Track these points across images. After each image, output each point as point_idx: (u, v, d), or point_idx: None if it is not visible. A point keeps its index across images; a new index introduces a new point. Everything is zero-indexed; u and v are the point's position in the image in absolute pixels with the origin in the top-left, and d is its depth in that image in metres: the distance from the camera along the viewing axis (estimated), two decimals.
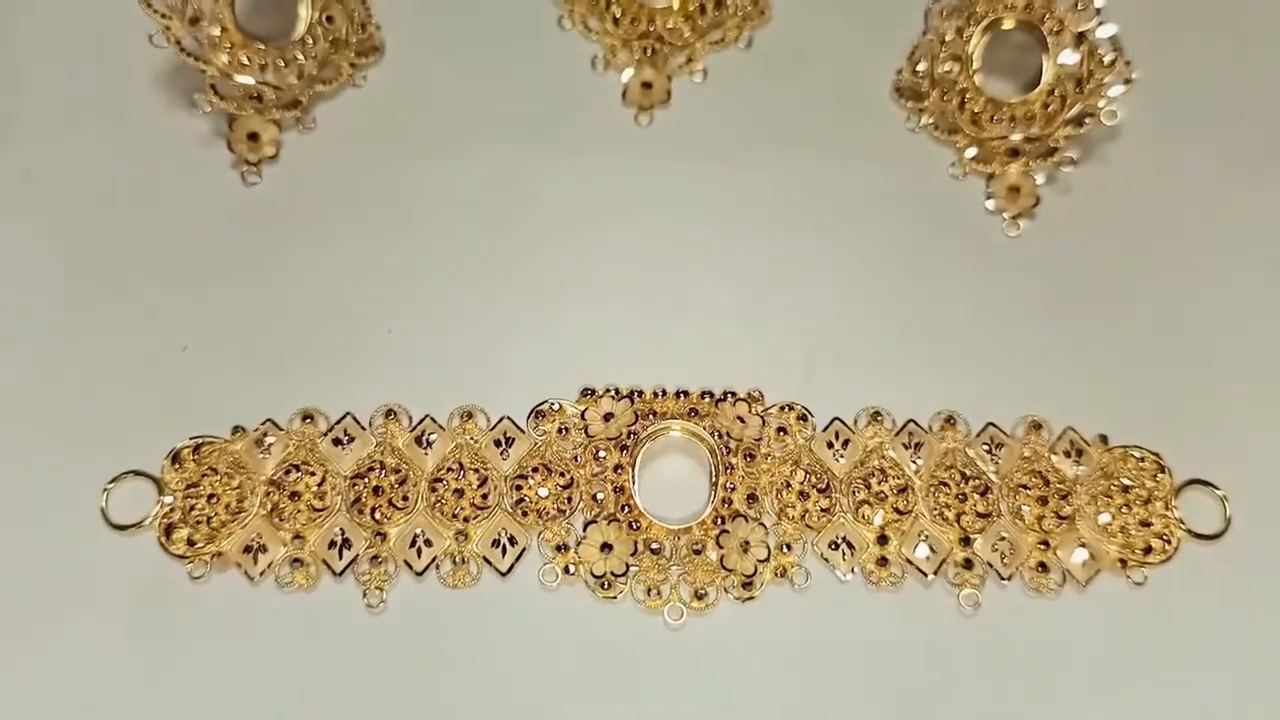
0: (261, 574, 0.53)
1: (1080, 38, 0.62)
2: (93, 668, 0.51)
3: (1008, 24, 0.63)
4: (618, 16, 0.66)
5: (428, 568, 0.54)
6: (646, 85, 0.66)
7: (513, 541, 0.54)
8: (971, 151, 0.64)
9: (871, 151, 0.65)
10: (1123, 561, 0.54)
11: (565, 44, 0.68)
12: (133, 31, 0.60)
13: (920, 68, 0.66)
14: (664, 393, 0.57)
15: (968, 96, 0.63)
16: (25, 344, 0.58)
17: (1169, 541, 0.55)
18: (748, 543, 0.53)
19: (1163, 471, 0.56)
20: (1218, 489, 0.56)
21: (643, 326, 0.60)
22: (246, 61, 0.61)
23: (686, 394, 0.57)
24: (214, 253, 0.61)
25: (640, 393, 0.57)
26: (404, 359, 0.59)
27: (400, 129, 0.65)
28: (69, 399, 0.57)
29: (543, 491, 0.54)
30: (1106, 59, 0.61)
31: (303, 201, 0.63)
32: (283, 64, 0.62)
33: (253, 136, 0.63)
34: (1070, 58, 0.61)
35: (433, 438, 0.56)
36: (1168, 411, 0.58)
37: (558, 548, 0.54)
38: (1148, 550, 0.54)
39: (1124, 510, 0.55)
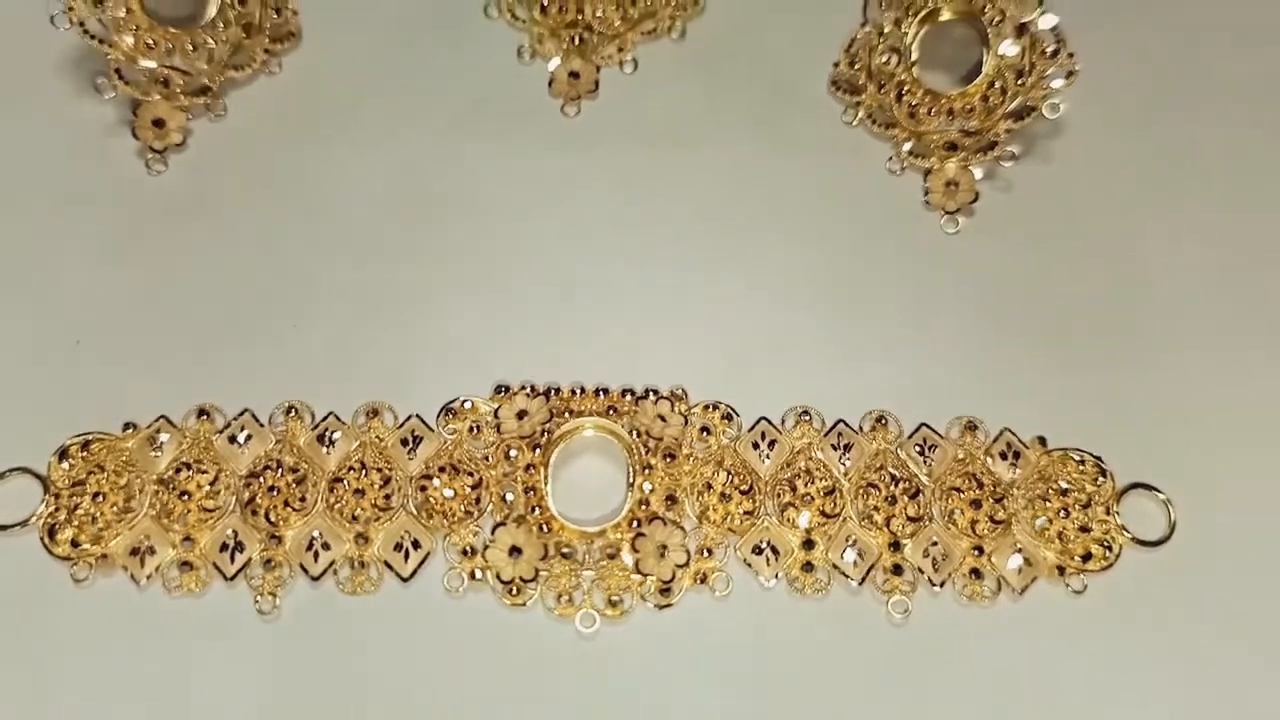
0: (149, 577, 0.51)
1: (1022, 29, 0.60)
2: None
3: (947, 15, 0.62)
4: (545, 4, 0.65)
5: (325, 572, 0.52)
6: (574, 75, 0.65)
7: (416, 545, 0.52)
8: (909, 145, 0.63)
9: (806, 145, 0.64)
10: (1060, 569, 0.53)
11: (491, 32, 0.67)
12: (34, 11, 0.58)
13: (857, 60, 0.64)
14: (582, 390, 0.55)
15: (905, 89, 0.62)
16: None
17: (1109, 548, 0.53)
18: (665, 547, 0.52)
19: (1104, 475, 0.55)
20: (1161, 493, 0.54)
21: (563, 323, 0.58)
22: (153, 44, 0.60)
23: (606, 392, 0.55)
24: (114, 243, 0.59)
25: (557, 390, 0.55)
26: (310, 355, 0.57)
27: (316, 118, 0.64)
28: None
29: (448, 492, 0.52)
30: (1049, 51, 0.60)
31: (210, 192, 0.61)
32: (192, 48, 0.61)
33: (159, 123, 0.62)
34: (1011, 49, 0.60)
35: (336, 436, 0.54)
36: (1109, 413, 0.56)
37: (464, 552, 0.52)
38: (1087, 557, 0.53)
39: (1062, 515, 0.53)
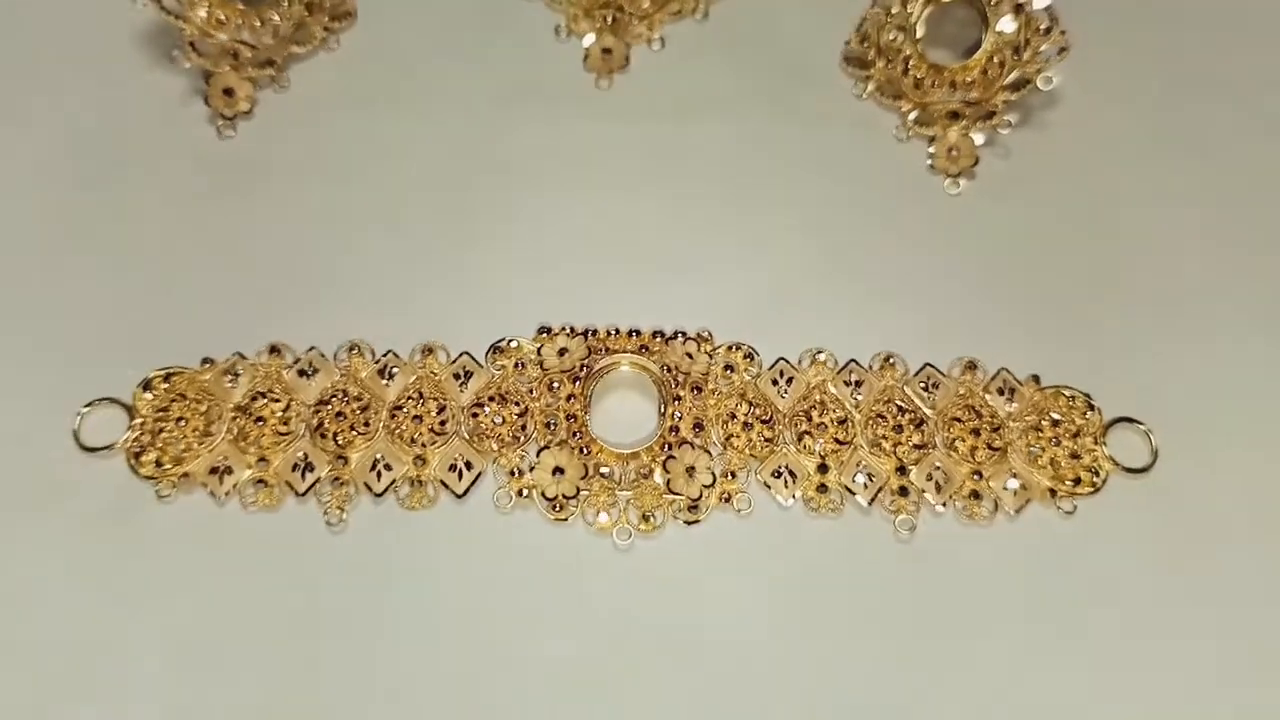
0: (227, 494, 0.56)
1: (1019, 8, 0.65)
2: (60, 580, 0.54)
3: None
4: None
5: (387, 490, 0.56)
6: (607, 51, 0.70)
7: (469, 466, 0.57)
8: (914, 115, 0.68)
9: (821, 115, 0.69)
10: (1052, 491, 0.57)
11: (530, 12, 0.73)
12: None
13: (867, 38, 0.70)
14: (617, 331, 0.60)
15: (911, 64, 0.67)
16: (8, 281, 0.61)
17: (1097, 473, 0.57)
18: (693, 468, 0.56)
19: (1092, 409, 0.59)
20: (1143, 425, 0.58)
21: (598, 272, 0.63)
22: (224, 20, 0.65)
23: (638, 333, 0.60)
24: (189, 199, 0.64)
25: (594, 331, 0.60)
26: (370, 299, 0.62)
27: (370, 89, 0.69)
28: (48, 332, 0.60)
29: (498, 420, 0.57)
30: (1043, 28, 0.65)
31: (275, 155, 0.66)
32: (259, 24, 0.66)
33: (228, 92, 0.67)
34: (1008, 25, 0.65)
35: (394, 371, 0.59)
36: (1097, 356, 0.61)
37: (511, 473, 0.57)
38: (1077, 481, 0.57)
39: (1054, 443, 0.58)
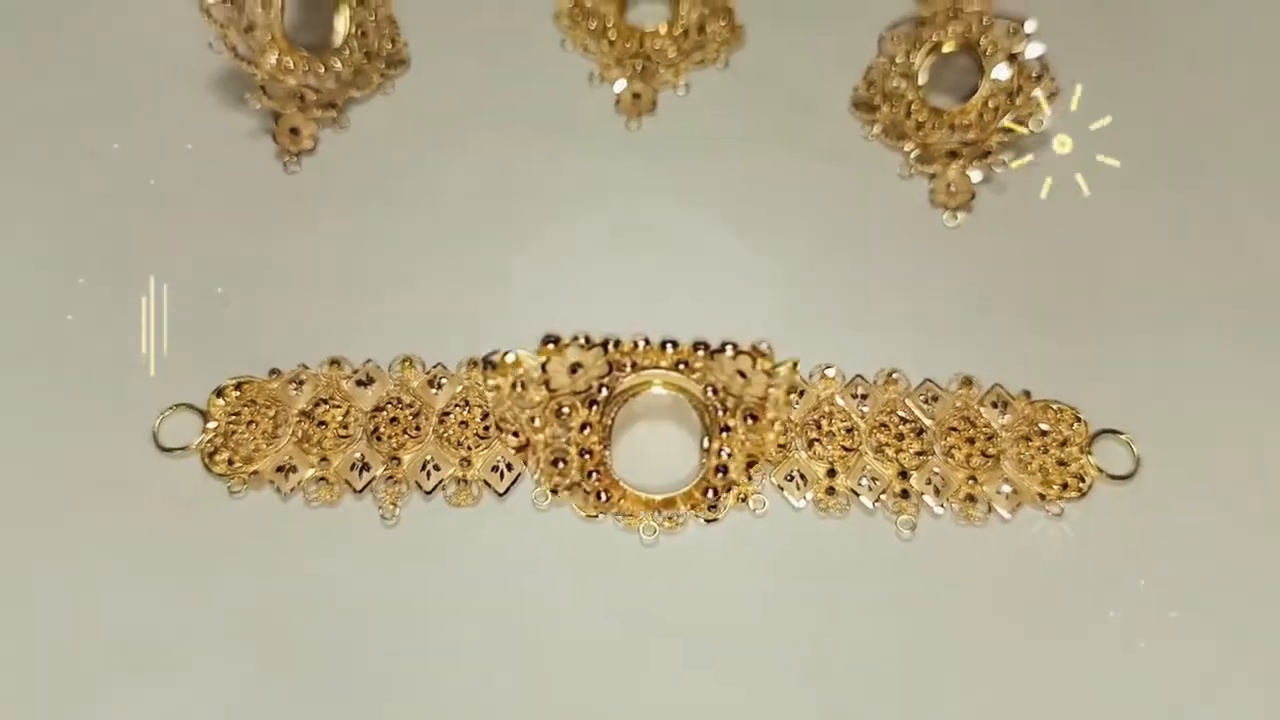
0: (291, 490, 0.60)
1: (1012, 58, 0.70)
2: (139, 567, 0.58)
3: (949, 47, 0.73)
4: (612, 39, 0.77)
5: (436, 488, 0.60)
6: (636, 96, 0.76)
7: (509, 468, 0.61)
8: (916, 154, 0.73)
9: (831, 155, 0.74)
10: (1042, 496, 0.61)
11: (566, 61, 0.78)
12: (194, 36, 0.69)
13: (874, 85, 0.75)
14: (646, 343, 0.58)
15: (913, 108, 0.73)
16: (97, 299, 0.67)
17: (1083, 480, 0.61)
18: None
19: (1079, 421, 0.63)
20: (1125, 434, 0.62)
21: (622, 291, 0.67)
22: (291, 66, 0.71)
23: (675, 345, 0.56)
24: (259, 227, 0.70)
25: (616, 342, 0.57)
26: (420, 317, 0.66)
27: (423, 130, 0.74)
28: (130, 345, 0.65)
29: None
30: (1035, 75, 0.70)
31: (335, 188, 0.72)
32: (323, 70, 0.72)
33: (294, 131, 0.72)
34: (1003, 72, 0.70)
35: (443, 381, 0.64)
36: (1083, 374, 0.65)
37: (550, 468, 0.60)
38: (1064, 487, 0.61)
39: (1043, 452, 0.62)
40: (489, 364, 0.55)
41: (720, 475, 0.56)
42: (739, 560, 0.59)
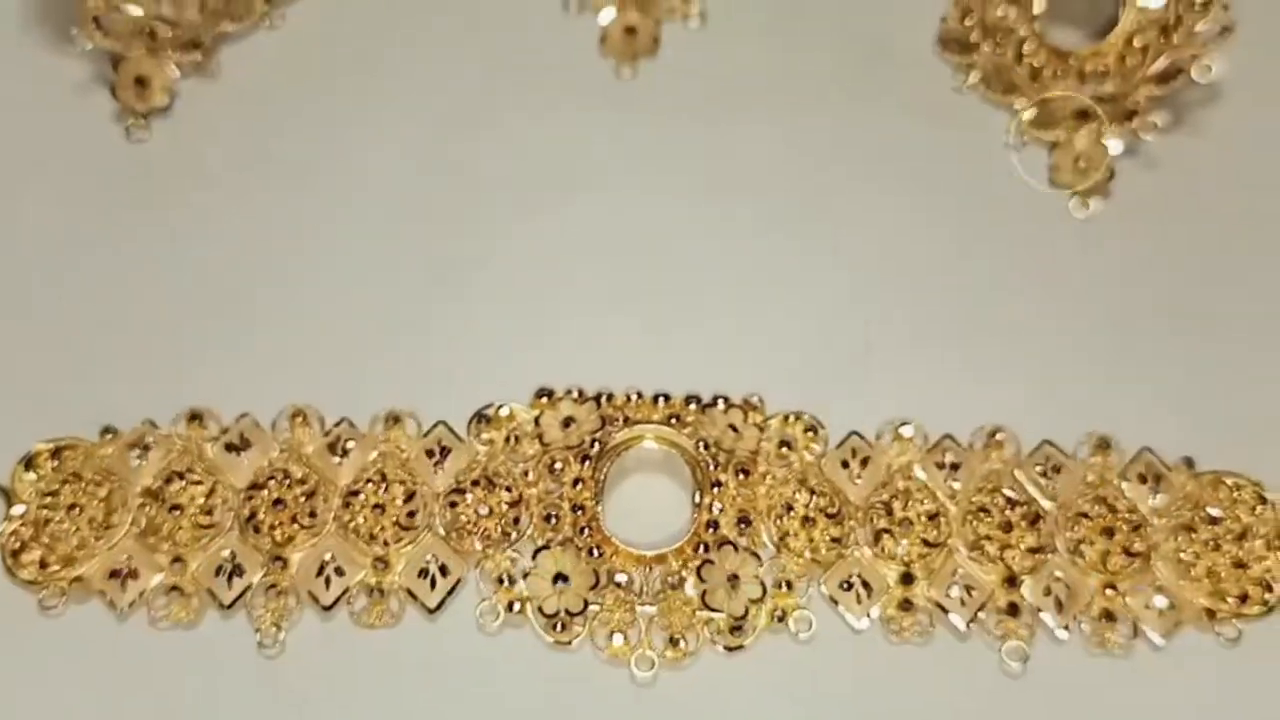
0: (131, 605, 0.58)
1: None
2: None
3: None
4: None
5: (338, 602, 0.58)
6: (630, 31, 0.73)
7: (444, 571, 0.59)
8: (1031, 114, 0.71)
9: (908, 114, 0.72)
10: (1211, 612, 0.58)
11: None
12: None
13: (970, 13, 0.72)
14: (639, 396, 0.62)
15: (1026, 47, 0.70)
16: None
17: (1271, 588, 0.58)
18: (737, 577, 0.58)
19: (1263, 503, 0.60)
20: None
21: (617, 320, 0.66)
22: None
23: (668, 398, 0.62)
24: (88, 220, 0.68)
25: (609, 396, 0.62)
26: (319, 352, 0.64)
27: (325, 79, 0.72)
28: None
29: (483, 510, 0.59)
30: (1199, 1, 0.67)
31: (200, 161, 0.70)
32: None
33: (141, 82, 0.70)
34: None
35: (350, 445, 0.61)
36: (1270, 431, 0.63)
37: (500, 580, 0.59)
38: (1243, 599, 0.58)
39: (1213, 548, 0.59)
40: (483, 418, 0.61)
41: (711, 531, 0.58)
42: (774, 706, 0.57)
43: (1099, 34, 0.70)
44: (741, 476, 0.60)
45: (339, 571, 0.59)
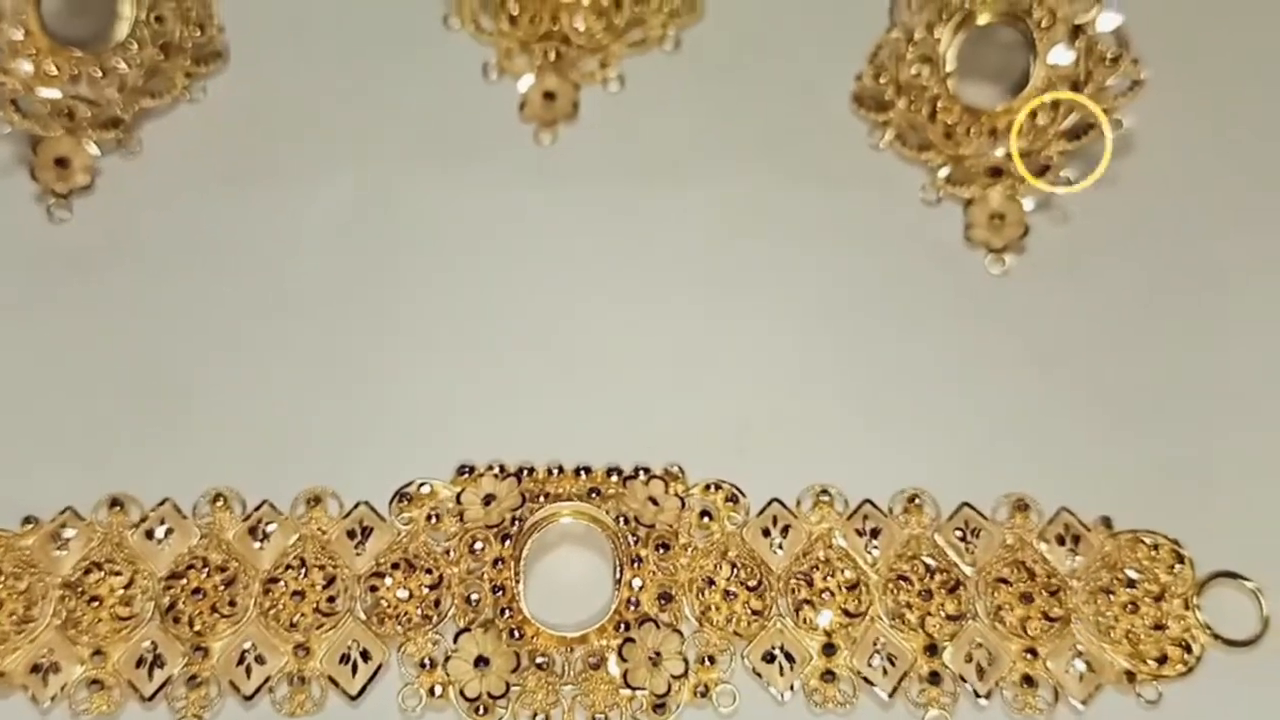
0: (53, 699, 0.56)
1: (1076, 31, 0.66)
2: None
3: (987, 17, 0.68)
4: (515, 14, 0.72)
5: (259, 690, 0.56)
6: (549, 96, 0.71)
7: (366, 656, 0.57)
8: (946, 171, 0.69)
9: (824, 173, 0.70)
10: (1130, 674, 0.57)
11: (452, 46, 0.74)
12: None
13: (884, 72, 0.71)
14: (560, 470, 0.60)
15: (940, 105, 0.68)
16: None
17: (1189, 649, 0.57)
18: (659, 654, 0.56)
19: (1181, 562, 0.59)
20: (1250, 582, 0.58)
21: (537, 390, 0.64)
22: (55, 71, 0.66)
23: (588, 471, 0.60)
24: (7, 304, 0.65)
25: (530, 470, 0.60)
26: (239, 434, 0.62)
27: (246, 152, 0.70)
28: None
29: (403, 593, 0.57)
30: (1109, 57, 0.65)
31: (122, 241, 0.67)
32: (100, 74, 0.67)
33: (61, 162, 0.68)
34: (1064, 56, 0.66)
35: (270, 528, 0.59)
36: (1187, 490, 0.61)
37: (422, 664, 0.57)
38: (1162, 660, 0.57)
39: (1131, 610, 0.58)
40: (404, 496, 0.60)
41: (632, 608, 0.57)
42: None
43: (1012, 92, 0.68)
44: (662, 551, 0.58)
45: (260, 660, 0.57)
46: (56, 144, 0.68)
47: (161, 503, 0.60)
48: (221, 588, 0.58)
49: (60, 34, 0.67)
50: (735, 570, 0.58)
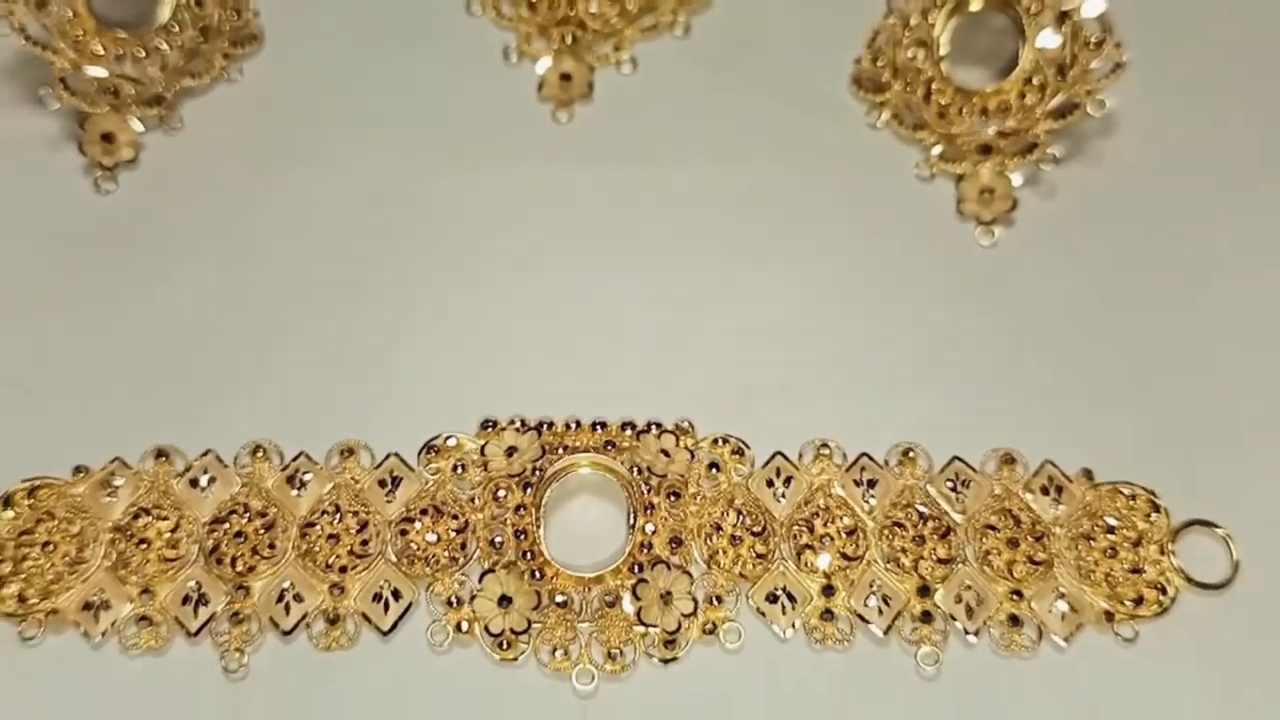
0: (104, 634, 0.57)
1: (1063, 17, 0.67)
2: None
3: (979, 4, 0.70)
4: (533, 0, 0.73)
5: (297, 626, 0.58)
6: (565, 77, 0.73)
7: (397, 595, 0.59)
8: (939, 149, 0.71)
9: (825, 151, 0.71)
10: (1109, 615, 0.58)
11: (473, 31, 0.75)
12: None
13: (881, 56, 0.72)
14: (578, 424, 0.62)
15: (934, 87, 0.70)
16: None
17: (1164, 591, 0.59)
18: (670, 594, 0.58)
19: (1157, 511, 0.60)
20: (1221, 529, 0.60)
21: (556, 353, 0.65)
22: (101, 51, 0.67)
23: (604, 426, 0.62)
24: (59, 270, 0.66)
25: (550, 425, 0.62)
26: (278, 390, 0.64)
27: (281, 130, 0.72)
28: None
29: (431, 537, 0.59)
30: (1093, 41, 0.66)
31: (164, 212, 0.69)
32: (143, 54, 0.68)
33: (108, 137, 0.69)
34: (1051, 40, 0.67)
35: (307, 477, 0.61)
36: (1164, 444, 0.63)
37: (449, 602, 0.58)
38: (1139, 601, 0.58)
39: (1110, 555, 0.59)
40: (431, 448, 0.61)
41: (645, 551, 0.58)
42: (706, 713, 0.57)
43: (1001, 73, 0.70)
44: (672, 499, 0.60)
45: (298, 598, 0.58)
46: (102, 120, 0.69)
47: (204, 454, 0.61)
48: (262, 531, 0.59)
49: (106, 16, 0.68)
50: (741, 517, 0.60)
